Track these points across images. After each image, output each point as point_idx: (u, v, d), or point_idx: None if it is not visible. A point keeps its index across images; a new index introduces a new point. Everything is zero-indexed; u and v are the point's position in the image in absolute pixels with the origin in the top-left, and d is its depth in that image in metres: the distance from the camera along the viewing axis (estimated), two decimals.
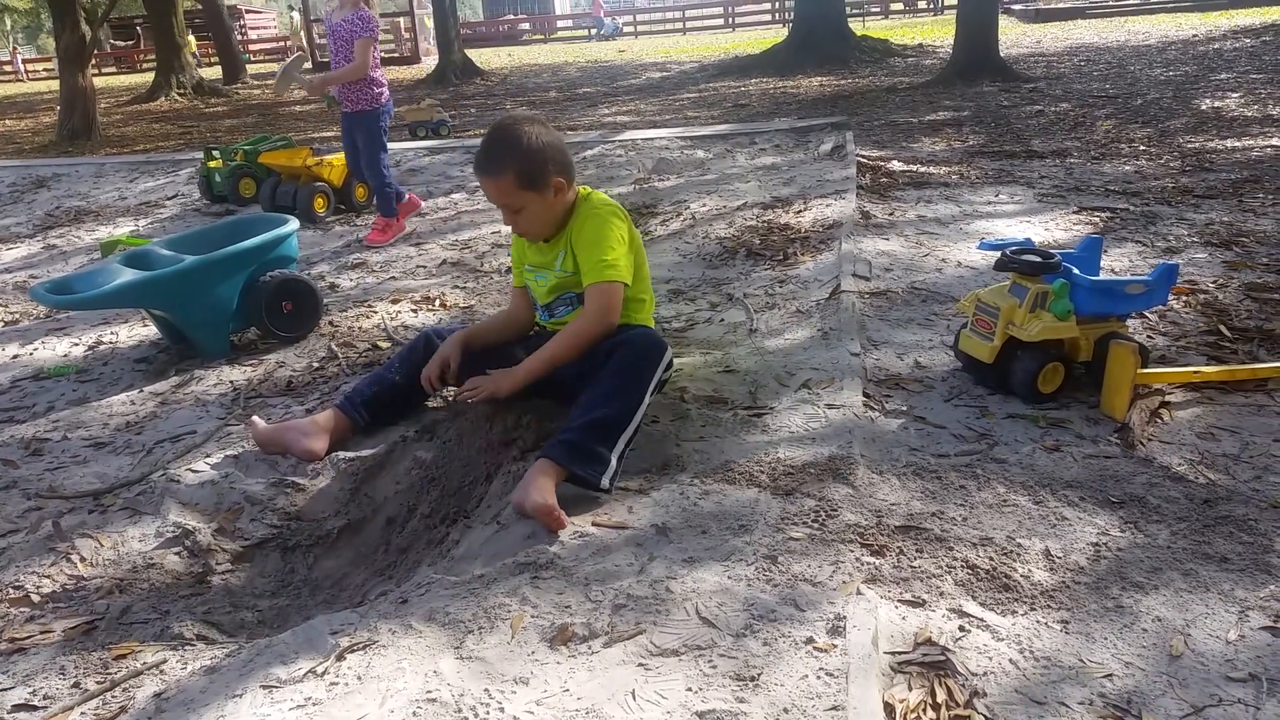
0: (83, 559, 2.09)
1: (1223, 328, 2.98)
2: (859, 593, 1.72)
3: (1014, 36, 17.12)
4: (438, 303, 3.97)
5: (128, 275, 3.30)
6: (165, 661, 1.69)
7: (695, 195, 5.61)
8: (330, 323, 3.76)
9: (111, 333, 3.84)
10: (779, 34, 19.97)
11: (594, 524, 2.00)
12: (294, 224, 3.62)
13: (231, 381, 3.18)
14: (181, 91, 17.56)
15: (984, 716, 1.46)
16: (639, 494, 2.13)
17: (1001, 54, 11.41)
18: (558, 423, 2.31)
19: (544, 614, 1.69)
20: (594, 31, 34.01)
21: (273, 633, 1.85)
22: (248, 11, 35.62)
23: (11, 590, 1.98)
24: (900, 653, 1.60)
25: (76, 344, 3.74)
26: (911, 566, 1.83)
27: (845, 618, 1.62)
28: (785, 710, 1.43)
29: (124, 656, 1.73)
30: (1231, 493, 2.07)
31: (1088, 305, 2.56)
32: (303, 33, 24.00)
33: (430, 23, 21.82)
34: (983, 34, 11.03)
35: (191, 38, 26.94)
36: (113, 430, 2.86)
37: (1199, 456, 2.25)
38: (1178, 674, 1.53)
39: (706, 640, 1.59)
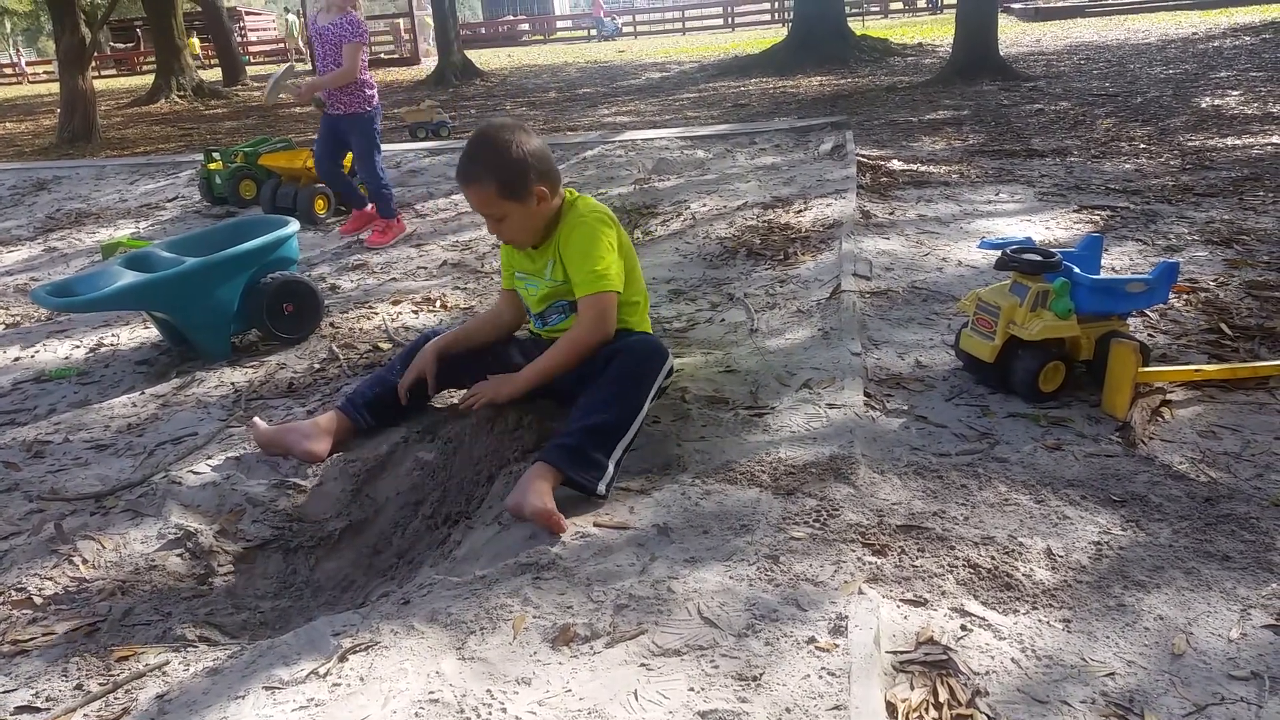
0: (85, 561, 2.09)
1: (1224, 326, 2.98)
2: (861, 592, 1.72)
3: (1013, 35, 17.11)
4: (438, 304, 3.97)
5: (129, 278, 3.30)
6: (168, 663, 1.69)
7: (695, 195, 5.61)
8: (331, 324, 3.76)
9: (113, 335, 3.84)
10: (778, 34, 19.97)
11: (595, 524, 2.00)
12: (295, 226, 3.62)
13: (233, 383, 3.18)
14: (181, 94, 17.57)
15: (986, 716, 1.46)
16: (640, 494, 2.13)
17: (1001, 53, 11.41)
18: (558, 424, 2.32)
19: (546, 614, 1.69)
20: (593, 32, 34.02)
21: (275, 634, 1.85)
22: (247, 13, 35.67)
23: (14, 592, 1.98)
24: (902, 652, 1.60)
25: (78, 346, 3.75)
26: (913, 566, 1.83)
27: (847, 617, 1.62)
28: (787, 710, 1.43)
29: (126, 658, 1.73)
30: (1233, 491, 2.07)
31: (1089, 304, 2.56)
32: (299, 36, 24.00)
33: (430, 23, 21.82)
34: (982, 33, 11.04)
35: (195, 39, 26.97)
36: (114, 432, 2.86)
37: (1200, 455, 2.25)
38: (1180, 672, 1.53)
39: (708, 640, 1.59)
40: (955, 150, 6.52)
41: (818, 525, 1.96)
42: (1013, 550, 1.87)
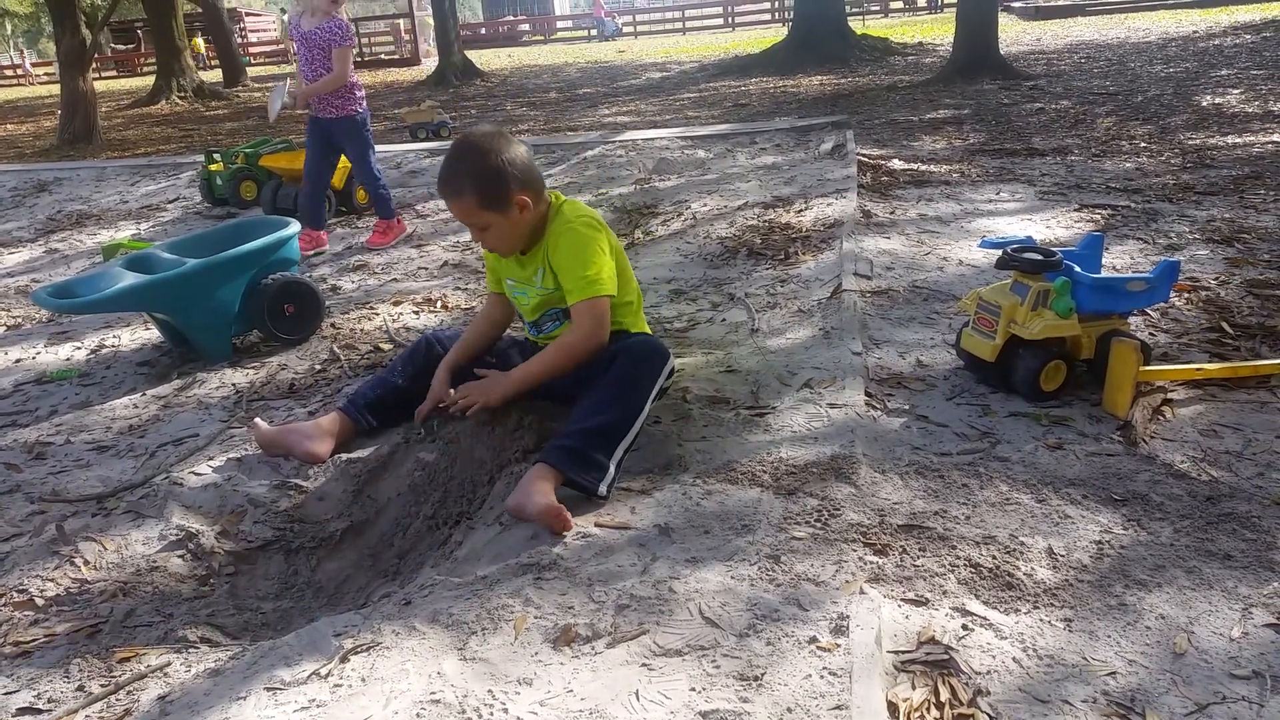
0: (86, 562, 2.09)
1: (1225, 325, 2.98)
2: (862, 592, 1.72)
3: (1014, 34, 17.11)
4: (439, 304, 3.97)
5: (130, 279, 3.31)
6: (169, 664, 1.69)
7: (696, 195, 5.61)
8: (332, 325, 3.76)
9: (114, 336, 3.84)
10: (779, 33, 19.96)
11: (596, 525, 2.00)
12: (295, 227, 3.62)
13: (234, 384, 3.19)
14: (182, 95, 17.58)
15: (988, 715, 1.46)
16: (641, 494, 2.13)
17: (1001, 52, 11.41)
18: (559, 424, 2.31)
19: (547, 615, 1.69)
20: (594, 32, 34.02)
21: (276, 635, 1.85)
22: (247, 14, 35.69)
23: (15, 594, 1.99)
24: (903, 652, 1.60)
25: (79, 348, 3.75)
26: (914, 565, 1.83)
27: (848, 617, 1.62)
28: (789, 710, 1.43)
29: (128, 659, 1.73)
30: (1234, 490, 2.07)
31: (1089, 303, 2.56)
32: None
33: (431, 23, 21.83)
34: (982, 32, 11.03)
35: (200, 39, 26.97)
36: (115, 433, 2.86)
37: (1201, 454, 2.24)
38: (1181, 671, 1.53)
39: (710, 640, 1.59)
40: (956, 149, 6.52)
41: (819, 525, 1.96)
42: (1014, 549, 1.87)
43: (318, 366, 3.32)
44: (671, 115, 9.97)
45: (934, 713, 1.46)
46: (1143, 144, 6.20)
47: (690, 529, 1.96)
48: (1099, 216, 4.40)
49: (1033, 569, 1.81)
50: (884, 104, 9.41)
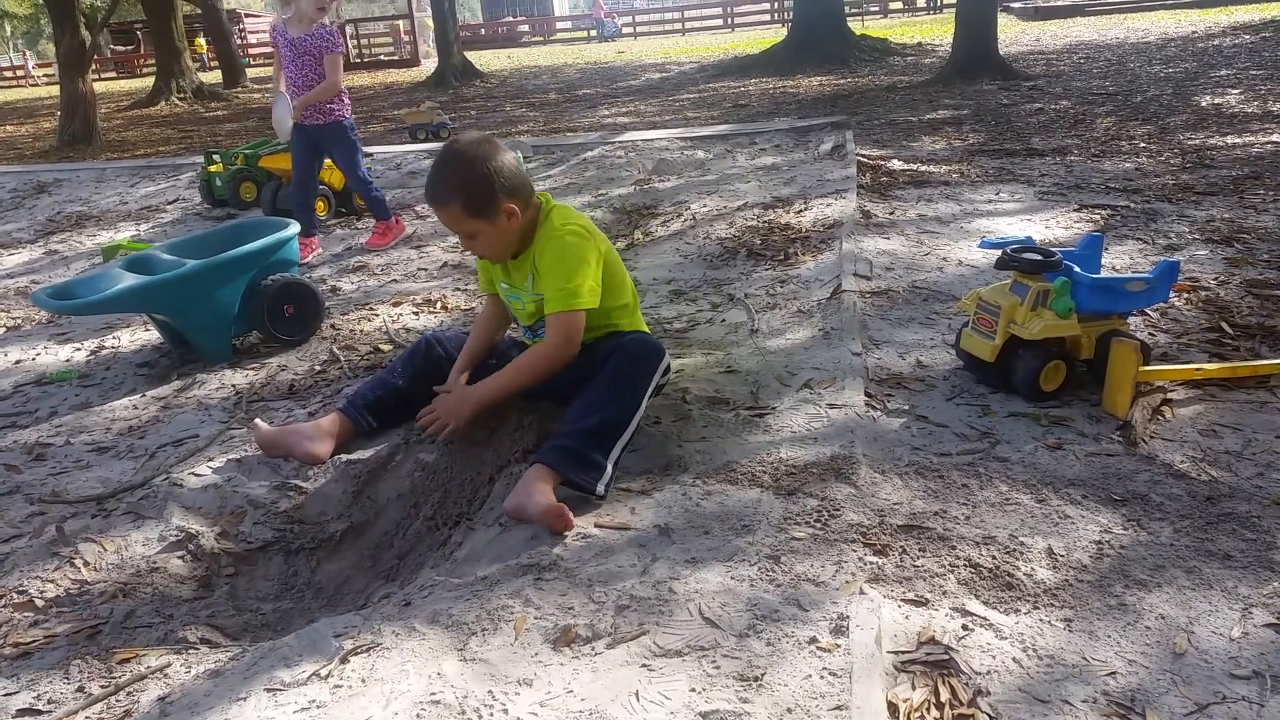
0: (86, 563, 2.09)
1: (1224, 325, 2.98)
2: (862, 592, 1.72)
3: (1013, 34, 17.11)
4: (439, 305, 3.98)
5: (129, 280, 3.31)
6: (169, 665, 1.69)
7: (695, 196, 5.61)
8: (332, 326, 3.76)
9: (113, 337, 3.84)
10: (778, 34, 19.98)
11: (596, 525, 2.00)
12: (295, 228, 3.62)
13: (234, 385, 3.19)
14: (181, 96, 17.59)
15: (988, 715, 1.46)
16: (641, 495, 2.13)
17: (1001, 52, 11.41)
18: (558, 424, 2.31)
19: (547, 615, 1.69)
20: (593, 33, 34.03)
21: (276, 636, 1.85)
22: (247, 15, 35.70)
23: (15, 595, 1.98)
24: (903, 652, 1.60)
25: (79, 349, 3.75)
26: (914, 566, 1.83)
27: (848, 617, 1.62)
28: (789, 710, 1.43)
29: (128, 660, 1.73)
30: (1234, 490, 2.07)
31: (1089, 303, 2.56)
32: None
33: (430, 24, 21.84)
34: (982, 32, 11.04)
35: (201, 40, 26.95)
36: (115, 435, 2.86)
37: (1201, 454, 2.25)
38: (1181, 671, 1.53)
39: (710, 641, 1.59)
40: (955, 150, 6.52)
41: (819, 525, 1.96)
42: (1014, 550, 1.87)
43: (317, 367, 3.32)
44: (671, 116, 9.97)
45: (934, 713, 1.46)
46: (1142, 144, 6.20)
47: (690, 529, 1.96)
48: (1098, 217, 4.40)
49: (1033, 569, 1.81)
50: (883, 104, 9.41)
